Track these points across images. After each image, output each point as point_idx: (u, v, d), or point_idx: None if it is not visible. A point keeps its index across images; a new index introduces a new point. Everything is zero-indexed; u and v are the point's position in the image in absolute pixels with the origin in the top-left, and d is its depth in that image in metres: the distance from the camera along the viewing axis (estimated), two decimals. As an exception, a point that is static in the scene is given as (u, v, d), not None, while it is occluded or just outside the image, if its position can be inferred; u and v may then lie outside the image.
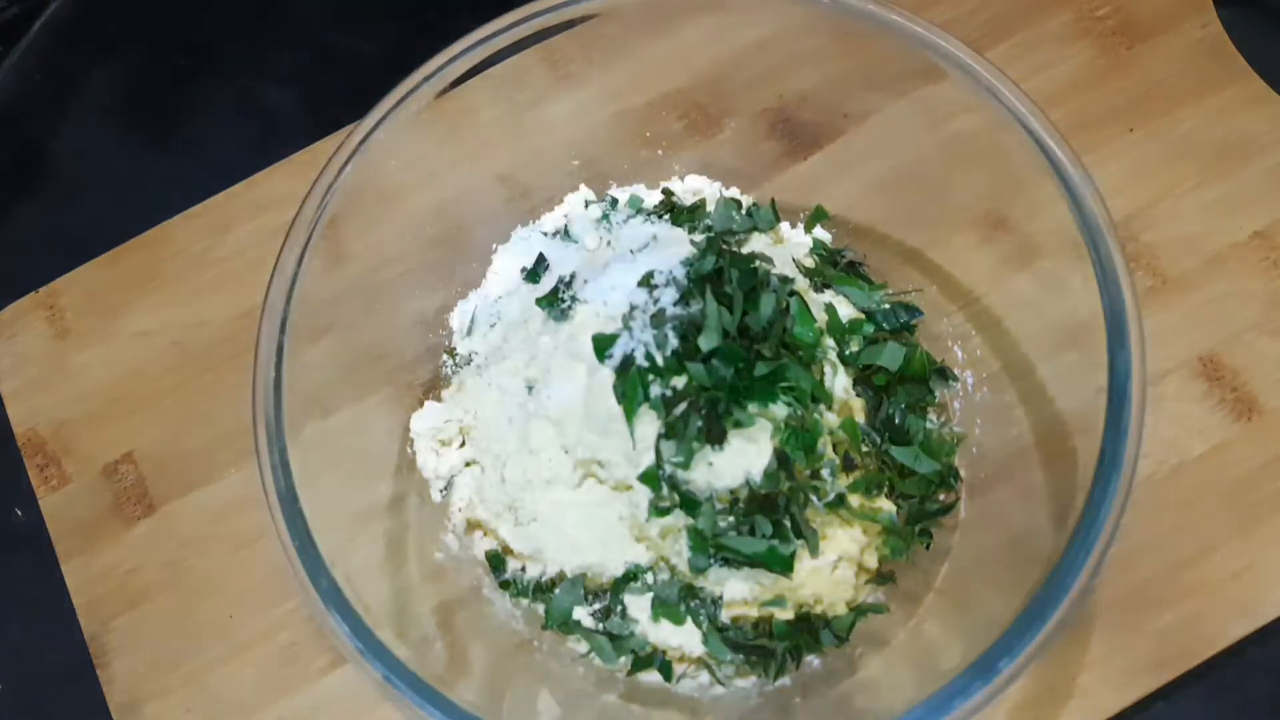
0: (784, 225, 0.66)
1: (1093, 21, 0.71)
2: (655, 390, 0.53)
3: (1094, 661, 0.58)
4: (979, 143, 0.57)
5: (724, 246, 0.59)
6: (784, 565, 0.53)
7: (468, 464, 0.62)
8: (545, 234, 0.66)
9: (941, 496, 0.59)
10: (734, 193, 0.67)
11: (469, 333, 0.65)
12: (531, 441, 0.57)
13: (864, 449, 0.56)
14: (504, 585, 0.60)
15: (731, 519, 0.53)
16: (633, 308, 0.56)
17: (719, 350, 0.52)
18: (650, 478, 0.54)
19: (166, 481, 0.67)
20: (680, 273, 0.56)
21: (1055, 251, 0.54)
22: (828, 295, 0.61)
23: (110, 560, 0.66)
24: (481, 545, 0.61)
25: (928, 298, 0.64)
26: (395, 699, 0.49)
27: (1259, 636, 0.58)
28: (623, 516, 0.56)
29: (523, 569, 0.59)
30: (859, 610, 0.57)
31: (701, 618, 0.55)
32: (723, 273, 0.55)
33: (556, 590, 0.57)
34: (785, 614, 0.55)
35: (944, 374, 0.61)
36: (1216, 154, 0.67)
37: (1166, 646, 0.58)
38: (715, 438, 0.52)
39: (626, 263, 0.59)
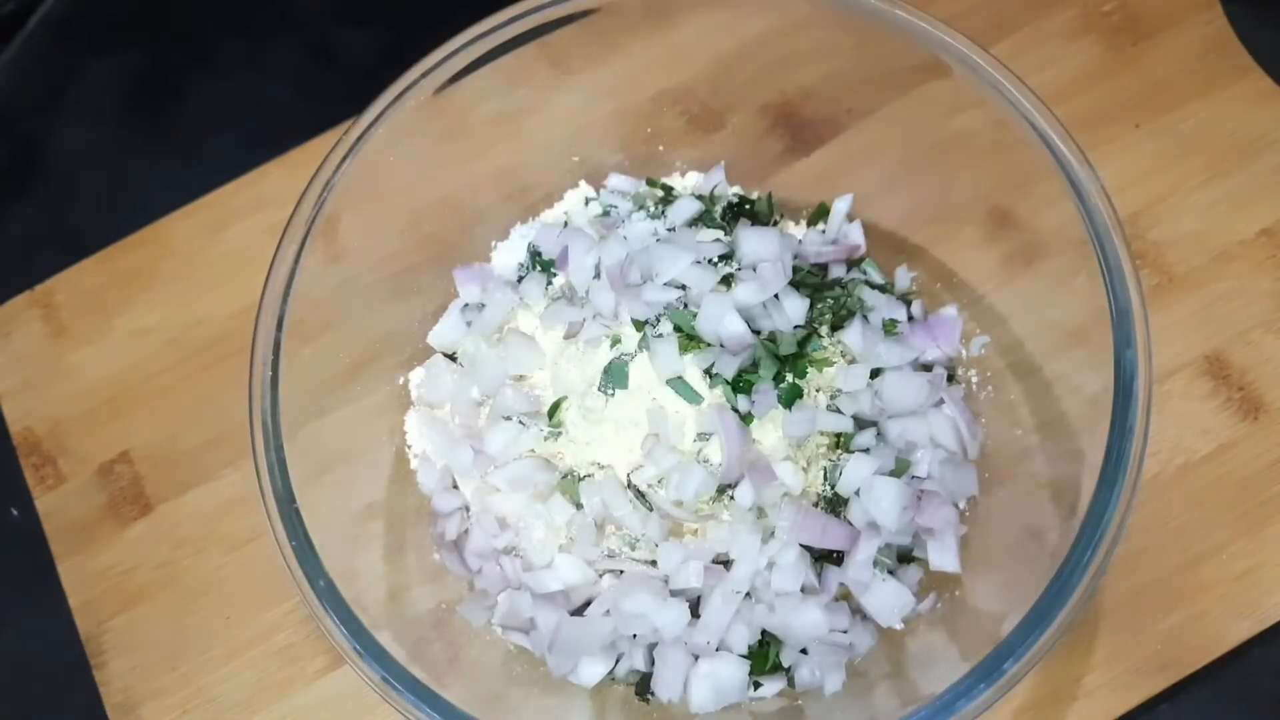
0: (788, 223, 0.66)
1: (1098, 17, 0.71)
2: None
3: (1098, 663, 0.57)
4: (983, 139, 0.57)
5: None
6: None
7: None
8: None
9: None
10: (736, 189, 0.67)
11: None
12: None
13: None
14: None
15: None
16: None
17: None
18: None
19: (163, 481, 0.67)
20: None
21: (1060, 249, 0.54)
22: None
23: (107, 560, 0.65)
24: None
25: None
26: (393, 700, 0.48)
27: (1265, 637, 0.57)
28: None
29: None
30: None
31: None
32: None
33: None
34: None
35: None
36: (1223, 151, 0.67)
37: (1171, 648, 0.57)
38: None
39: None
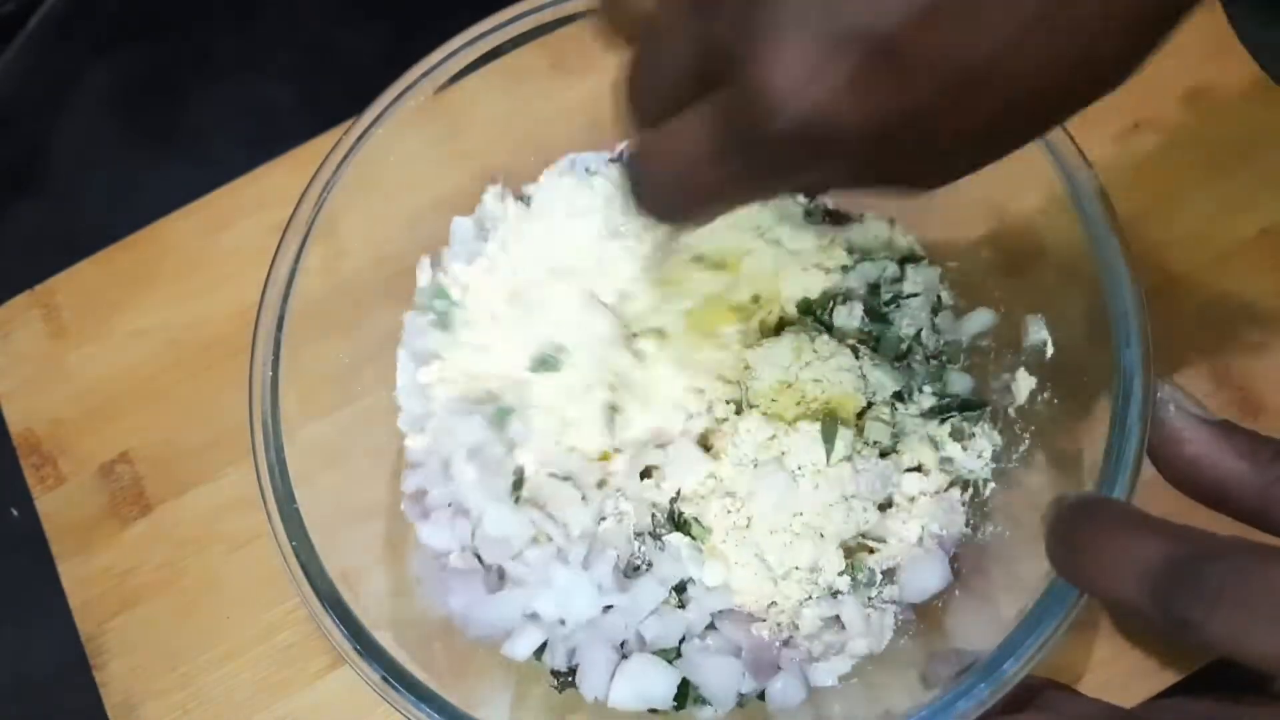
0: (786, 222, 0.66)
1: (1097, 17, 0.71)
2: None
3: (1099, 663, 0.57)
4: (982, 139, 0.57)
5: None
6: None
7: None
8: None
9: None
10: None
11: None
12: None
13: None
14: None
15: None
16: None
17: None
18: None
19: (163, 481, 0.67)
20: None
21: (1059, 249, 0.54)
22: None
23: (107, 560, 0.65)
24: (481, 545, 0.60)
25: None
26: (393, 700, 0.48)
27: (1265, 638, 0.57)
28: None
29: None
30: None
31: None
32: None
33: None
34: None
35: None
36: (1223, 150, 0.67)
37: (1171, 648, 0.57)
38: None
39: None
